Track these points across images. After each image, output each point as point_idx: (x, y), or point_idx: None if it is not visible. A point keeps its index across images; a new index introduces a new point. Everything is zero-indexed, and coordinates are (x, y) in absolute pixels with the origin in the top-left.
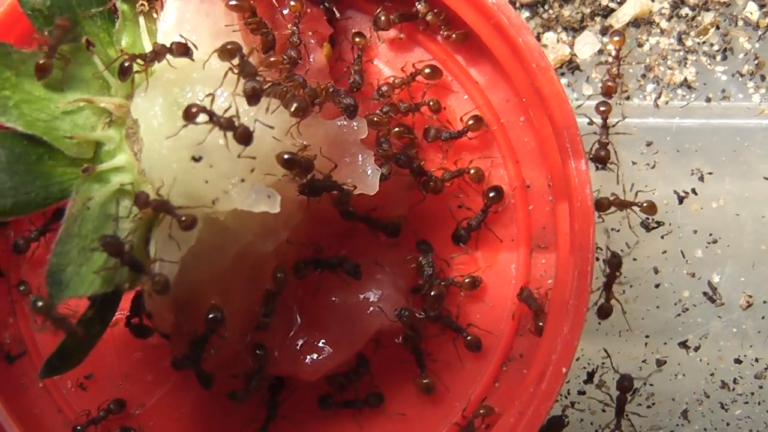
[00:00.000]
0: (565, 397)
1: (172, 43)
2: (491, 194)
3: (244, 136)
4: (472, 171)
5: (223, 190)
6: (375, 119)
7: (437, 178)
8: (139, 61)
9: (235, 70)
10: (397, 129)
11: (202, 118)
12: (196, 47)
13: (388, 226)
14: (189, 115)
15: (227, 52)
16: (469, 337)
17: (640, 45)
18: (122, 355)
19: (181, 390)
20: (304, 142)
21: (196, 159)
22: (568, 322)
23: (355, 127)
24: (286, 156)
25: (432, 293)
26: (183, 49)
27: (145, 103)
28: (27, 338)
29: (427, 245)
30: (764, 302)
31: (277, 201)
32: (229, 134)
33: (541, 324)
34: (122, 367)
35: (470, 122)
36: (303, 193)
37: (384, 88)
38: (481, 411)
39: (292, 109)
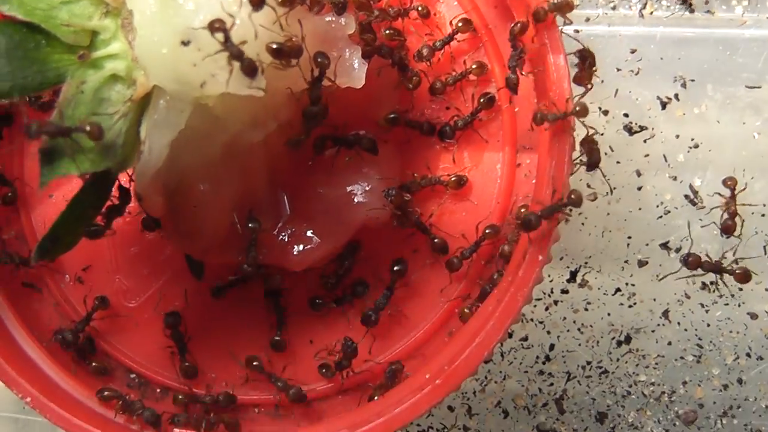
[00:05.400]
0: (549, 296)
1: None
2: (482, 100)
3: (250, 69)
4: (474, 66)
5: (210, 74)
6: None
7: (437, 80)
8: None
9: None
10: (387, 32)
11: (219, 36)
12: None
13: (422, 125)
14: (212, 28)
15: None
16: (436, 240)
17: None
18: (118, 249)
19: (177, 283)
20: (292, 35)
21: (185, 43)
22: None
23: (343, 23)
24: (274, 45)
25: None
26: None
27: None
28: (28, 234)
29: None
30: (744, 206)
31: (262, 84)
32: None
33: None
34: (119, 261)
35: (459, 24)
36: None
37: None
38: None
39: None
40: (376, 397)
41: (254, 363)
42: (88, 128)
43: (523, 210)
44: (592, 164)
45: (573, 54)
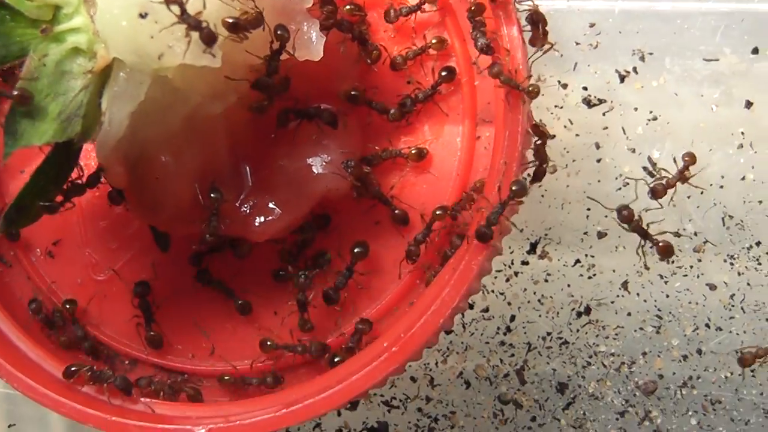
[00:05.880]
0: (509, 267)
1: None
2: (443, 73)
3: (209, 39)
4: (434, 41)
5: (167, 45)
6: None
7: (398, 56)
8: None
9: None
10: (348, 7)
11: (175, 9)
12: None
13: (387, 109)
14: (168, 1)
15: None
16: (396, 211)
17: None
18: (88, 224)
19: (144, 257)
20: (249, 8)
21: (143, 16)
22: (498, 181)
23: None
24: (230, 20)
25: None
26: None
27: None
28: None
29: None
30: (702, 177)
31: (218, 55)
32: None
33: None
34: (88, 235)
35: None
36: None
37: None
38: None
39: None
40: (336, 359)
41: (268, 343)
42: (15, 92)
43: (478, 184)
44: (537, 177)
45: (525, 19)
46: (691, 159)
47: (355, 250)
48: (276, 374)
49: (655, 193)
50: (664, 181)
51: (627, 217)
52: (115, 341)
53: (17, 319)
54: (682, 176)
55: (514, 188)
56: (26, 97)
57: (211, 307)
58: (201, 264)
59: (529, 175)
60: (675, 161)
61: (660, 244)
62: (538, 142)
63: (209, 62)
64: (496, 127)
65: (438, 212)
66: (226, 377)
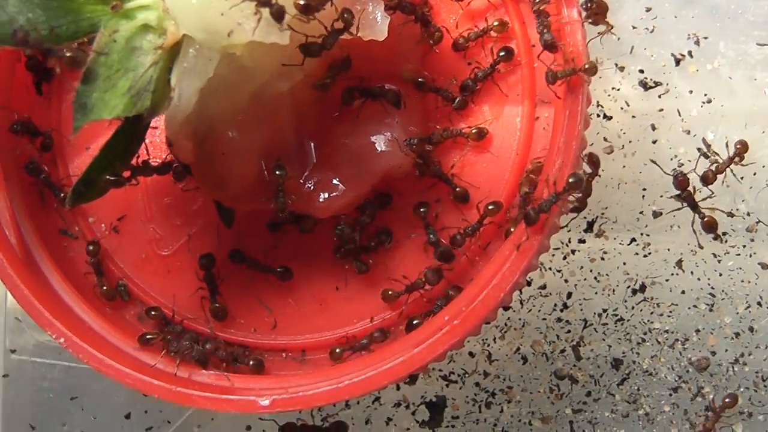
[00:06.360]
0: (566, 245)
1: None
2: (501, 53)
3: (279, 14)
4: (496, 23)
5: (236, 22)
6: None
7: (460, 37)
8: None
9: None
10: None
11: None
12: None
13: (454, 97)
14: None
15: None
16: (457, 189)
17: None
18: (152, 200)
19: (208, 233)
20: None
21: None
22: (559, 157)
23: None
24: (302, 1)
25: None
26: None
27: None
28: (67, 185)
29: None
30: (755, 159)
31: (287, 33)
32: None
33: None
34: (153, 211)
35: None
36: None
37: None
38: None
39: None
40: (414, 321)
41: (390, 293)
42: (67, 53)
43: (538, 164)
44: (578, 209)
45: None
46: (743, 147)
47: (489, 207)
48: (383, 329)
49: (706, 180)
50: (713, 167)
51: (682, 183)
52: (178, 314)
53: (82, 292)
54: (732, 162)
55: (570, 180)
56: (78, 61)
57: (274, 282)
58: (279, 231)
59: (586, 155)
60: (727, 146)
61: (705, 218)
62: (589, 174)
63: (278, 39)
64: (556, 107)
65: (490, 207)
66: (337, 349)
